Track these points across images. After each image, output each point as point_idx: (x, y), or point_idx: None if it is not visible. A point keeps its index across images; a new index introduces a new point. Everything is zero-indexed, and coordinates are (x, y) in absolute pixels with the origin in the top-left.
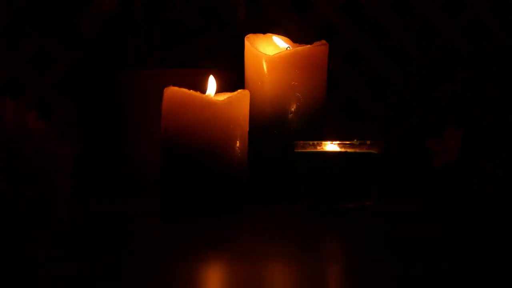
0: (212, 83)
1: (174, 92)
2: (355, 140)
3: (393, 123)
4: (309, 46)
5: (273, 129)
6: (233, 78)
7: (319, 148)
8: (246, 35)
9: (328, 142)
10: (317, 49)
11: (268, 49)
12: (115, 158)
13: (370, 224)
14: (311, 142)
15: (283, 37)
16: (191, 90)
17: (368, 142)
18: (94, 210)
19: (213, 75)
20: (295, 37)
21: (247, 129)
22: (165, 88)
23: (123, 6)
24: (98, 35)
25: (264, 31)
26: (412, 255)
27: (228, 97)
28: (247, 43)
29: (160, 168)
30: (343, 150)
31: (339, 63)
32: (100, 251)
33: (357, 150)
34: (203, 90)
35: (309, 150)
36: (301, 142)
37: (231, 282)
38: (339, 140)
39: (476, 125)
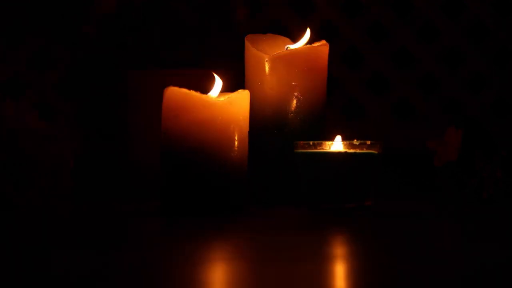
0: (217, 84)
1: (174, 92)
2: (355, 140)
3: (393, 123)
4: (309, 46)
5: (273, 129)
6: (233, 78)
7: (319, 148)
8: (246, 35)
9: (328, 142)
10: (317, 49)
11: (268, 49)
12: (115, 157)
13: (370, 224)
14: (311, 142)
15: (283, 37)
16: (191, 90)
17: (368, 142)
18: (94, 209)
19: (213, 75)
20: (295, 37)
21: (247, 129)
22: (165, 88)
23: (123, 6)
24: (98, 35)
25: (264, 31)
26: (413, 255)
27: (228, 97)
28: (247, 43)
29: (160, 168)
30: (343, 150)
31: (339, 63)
32: (100, 251)
33: (357, 150)
34: (203, 90)
35: (309, 150)
36: (301, 142)
37: (231, 282)
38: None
39: (476, 125)
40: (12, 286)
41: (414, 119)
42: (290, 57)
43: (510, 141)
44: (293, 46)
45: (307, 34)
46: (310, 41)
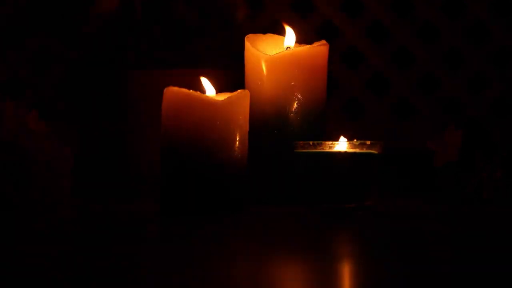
0: (207, 85)
1: (174, 92)
2: (355, 140)
3: (393, 123)
4: (309, 46)
5: (273, 129)
6: (233, 78)
7: (319, 148)
8: (246, 35)
9: (328, 142)
10: (317, 49)
11: (268, 49)
12: (115, 157)
13: (370, 224)
14: (311, 142)
15: (283, 37)
16: (191, 90)
17: (368, 142)
18: (94, 209)
19: (213, 75)
20: (295, 37)
21: (247, 129)
22: (165, 88)
23: (123, 6)
24: (98, 35)
25: (264, 31)
26: (413, 255)
27: (228, 97)
28: (247, 43)
29: (160, 168)
30: (343, 150)
31: (339, 63)
32: (100, 251)
33: (357, 150)
34: (203, 90)
35: (309, 150)
36: (301, 142)
37: (231, 282)
38: (339, 140)
39: (476, 125)
40: (12, 286)
41: (414, 119)
42: (290, 57)
43: (510, 141)
44: (287, 43)
45: (288, 32)
46: (310, 41)
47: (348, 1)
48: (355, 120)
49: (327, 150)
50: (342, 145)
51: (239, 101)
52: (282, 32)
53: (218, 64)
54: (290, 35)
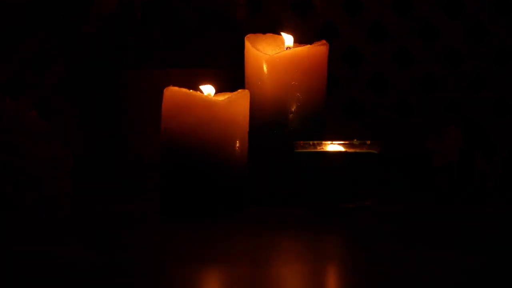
0: (206, 88)
1: (174, 92)
2: (355, 140)
3: (393, 123)
4: (309, 46)
5: (273, 129)
6: (233, 78)
7: (319, 148)
8: (246, 35)
9: (328, 142)
10: (317, 49)
11: (268, 49)
12: (115, 157)
13: (370, 224)
14: (311, 142)
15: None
16: (191, 90)
17: (368, 142)
18: (94, 210)
19: (213, 75)
20: (295, 37)
21: (247, 129)
22: (165, 88)
23: (123, 6)
24: (98, 35)
25: (264, 31)
26: (412, 255)
27: (228, 97)
28: (247, 43)
29: (160, 168)
30: (343, 150)
31: (339, 63)
32: (100, 251)
33: (357, 150)
34: (202, 90)
35: (309, 150)
36: (301, 142)
37: (231, 282)
38: (339, 140)
39: (476, 125)
40: (12, 286)
41: (414, 119)
42: (290, 57)
43: (510, 141)
44: (287, 43)
45: (286, 38)
46: (310, 41)
47: (348, 1)
48: (355, 120)
49: (327, 150)
50: (341, 145)
51: (239, 101)
52: (281, 32)
53: (218, 64)
54: (287, 39)
